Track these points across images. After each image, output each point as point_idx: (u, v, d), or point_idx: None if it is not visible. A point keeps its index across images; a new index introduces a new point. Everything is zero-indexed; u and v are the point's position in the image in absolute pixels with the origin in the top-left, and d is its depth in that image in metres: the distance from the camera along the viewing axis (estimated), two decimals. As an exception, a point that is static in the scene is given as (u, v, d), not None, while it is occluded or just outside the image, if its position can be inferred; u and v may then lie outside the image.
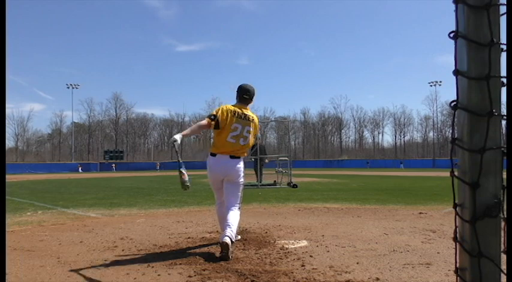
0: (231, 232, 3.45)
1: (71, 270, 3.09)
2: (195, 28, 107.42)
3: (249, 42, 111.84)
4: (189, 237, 4.41)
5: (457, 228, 1.01)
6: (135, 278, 2.86)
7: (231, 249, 3.36)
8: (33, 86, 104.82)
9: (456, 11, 0.98)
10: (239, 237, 4.18)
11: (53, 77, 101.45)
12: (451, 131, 1.01)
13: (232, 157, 3.76)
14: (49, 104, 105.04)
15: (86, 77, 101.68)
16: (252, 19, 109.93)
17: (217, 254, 3.46)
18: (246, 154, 3.95)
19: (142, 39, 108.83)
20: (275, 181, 14.02)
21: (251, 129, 3.85)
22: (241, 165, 3.84)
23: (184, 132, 3.76)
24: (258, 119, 4.01)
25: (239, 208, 3.81)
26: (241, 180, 3.87)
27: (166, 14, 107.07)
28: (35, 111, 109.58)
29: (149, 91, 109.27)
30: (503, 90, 0.95)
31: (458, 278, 1.00)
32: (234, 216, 3.65)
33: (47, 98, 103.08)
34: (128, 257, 3.53)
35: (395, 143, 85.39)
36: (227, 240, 3.35)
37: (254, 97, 4.00)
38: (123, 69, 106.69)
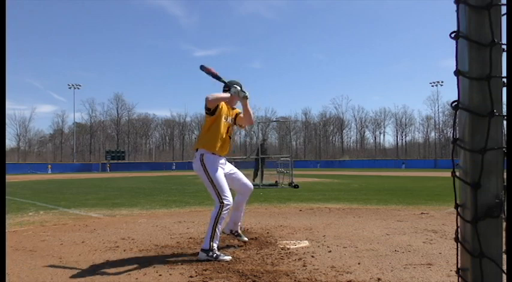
0: (205, 245, 3.38)
1: (73, 271, 3.09)
2: (212, 34, 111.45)
3: (262, 47, 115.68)
4: (190, 238, 4.41)
5: (459, 229, 1.01)
6: (136, 278, 2.86)
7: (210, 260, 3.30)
8: (48, 88, 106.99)
9: (457, 11, 0.98)
10: (245, 239, 4.03)
11: (66, 79, 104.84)
12: (452, 131, 1.01)
13: (196, 152, 3.67)
14: (61, 106, 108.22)
15: (89, 77, 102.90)
16: (267, 26, 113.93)
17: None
18: (199, 141, 3.69)
19: (149, 42, 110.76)
20: (276, 181, 14.03)
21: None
22: (198, 158, 3.57)
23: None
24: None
25: (220, 203, 3.45)
26: (200, 171, 3.56)
27: (186, 21, 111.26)
28: (47, 112, 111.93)
29: (151, 92, 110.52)
30: (504, 90, 0.94)
31: (459, 278, 1.00)
32: (210, 223, 3.43)
33: (59, 99, 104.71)
34: (129, 257, 3.53)
35: (397, 144, 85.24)
36: (201, 256, 3.34)
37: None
38: (127, 70, 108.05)
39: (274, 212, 6.77)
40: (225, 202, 3.46)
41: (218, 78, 3.72)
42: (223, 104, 3.69)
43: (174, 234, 4.64)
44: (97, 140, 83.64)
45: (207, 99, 3.51)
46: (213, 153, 3.59)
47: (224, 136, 3.67)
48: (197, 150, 3.65)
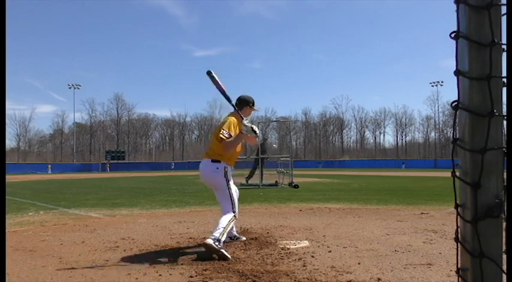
0: (216, 234, 3.44)
1: (73, 271, 3.09)
2: (212, 34, 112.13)
3: (262, 47, 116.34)
4: (190, 238, 4.41)
5: (459, 229, 1.01)
6: (136, 278, 2.86)
7: (213, 249, 3.34)
8: (48, 88, 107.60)
9: (457, 11, 0.98)
10: (243, 238, 4.18)
11: (66, 79, 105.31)
12: (452, 131, 1.01)
13: (211, 161, 3.79)
14: (61, 106, 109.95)
15: (89, 77, 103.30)
16: (267, 26, 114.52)
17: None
18: (218, 154, 3.76)
19: (149, 42, 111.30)
20: (276, 181, 14.02)
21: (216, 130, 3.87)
22: (214, 168, 3.76)
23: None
24: (229, 119, 3.82)
25: (233, 212, 3.76)
26: (221, 182, 3.77)
27: (186, 21, 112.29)
28: (47, 112, 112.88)
29: (151, 92, 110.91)
30: (504, 90, 0.94)
31: (459, 278, 1.00)
32: (224, 219, 3.64)
33: (59, 99, 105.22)
34: (129, 257, 3.53)
35: (397, 144, 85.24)
36: (208, 241, 3.36)
37: (241, 103, 4.05)
38: (127, 70, 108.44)
39: (274, 212, 6.77)
40: (235, 214, 3.80)
41: (223, 93, 3.77)
42: (238, 123, 3.85)
43: (174, 234, 4.64)
44: (97, 140, 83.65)
45: (225, 147, 3.69)
46: (230, 165, 3.91)
47: (238, 150, 3.98)
48: (218, 161, 3.76)
